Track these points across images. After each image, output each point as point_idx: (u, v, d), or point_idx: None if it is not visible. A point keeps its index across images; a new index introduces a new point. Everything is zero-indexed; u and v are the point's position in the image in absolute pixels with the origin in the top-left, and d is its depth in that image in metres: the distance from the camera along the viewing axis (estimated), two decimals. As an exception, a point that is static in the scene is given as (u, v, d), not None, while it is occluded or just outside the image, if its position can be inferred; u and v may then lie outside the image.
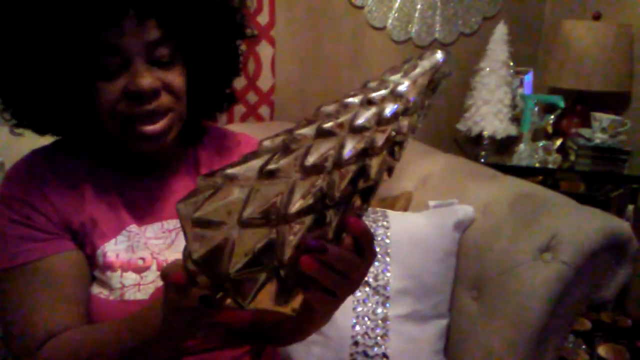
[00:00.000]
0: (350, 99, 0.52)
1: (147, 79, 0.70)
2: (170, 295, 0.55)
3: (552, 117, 2.16)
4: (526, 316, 1.11)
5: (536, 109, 2.10)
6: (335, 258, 0.48)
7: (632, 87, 2.12)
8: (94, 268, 0.78)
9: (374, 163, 0.50)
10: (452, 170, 1.50)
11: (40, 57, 0.69)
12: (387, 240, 1.26)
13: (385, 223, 1.28)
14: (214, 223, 0.48)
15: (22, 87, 0.73)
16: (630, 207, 2.09)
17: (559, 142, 2.12)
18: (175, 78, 0.74)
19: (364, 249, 0.50)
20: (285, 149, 0.50)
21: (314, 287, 0.49)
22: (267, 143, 0.52)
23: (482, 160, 2.07)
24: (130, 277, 0.77)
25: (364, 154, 0.49)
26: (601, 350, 1.85)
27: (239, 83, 1.77)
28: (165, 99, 0.73)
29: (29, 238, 0.74)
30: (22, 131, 0.80)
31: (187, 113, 0.79)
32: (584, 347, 1.91)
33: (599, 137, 2.05)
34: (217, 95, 0.87)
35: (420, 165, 1.57)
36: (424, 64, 0.54)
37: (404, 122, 0.52)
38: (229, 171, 0.49)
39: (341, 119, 0.50)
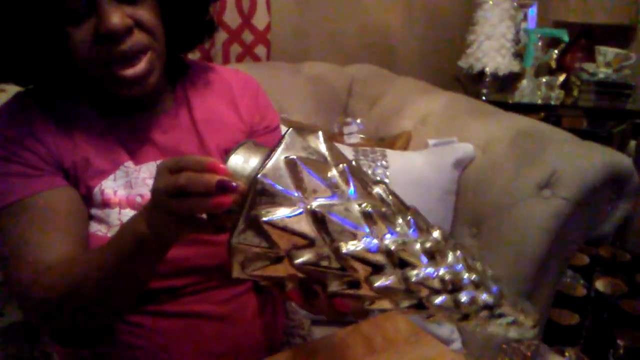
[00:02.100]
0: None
1: (116, 17, 0.66)
2: (182, 182, 0.52)
3: (556, 51, 2.11)
4: (524, 252, 1.12)
5: (540, 43, 2.05)
6: None
7: (637, 20, 2.06)
8: (91, 206, 0.77)
9: None
10: (452, 108, 1.48)
11: (7, 6, 0.67)
12: (387, 180, 1.25)
13: (384, 162, 1.28)
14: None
15: None
16: (633, 143, 2.07)
17: (562, 77, 2.08)
18: (147, 13, 0.71)
19: None
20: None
21: None
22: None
23: (484, 97, 2.04)
24: (129, 214, 0.76)
25: None
26: (599, 284, 1.88)
27: (233, 21, 1.72)
28: (139, 37, 0.70)
29: (20, 175, 0.73)
30: (4, 87, 0.78)
31: (168, 47, 0.77)
32: (582, 281, 1.94)
33: (603, 72, 2.01)
34: (195, 25, 0.84)
35: (420, 103, 1.55)
36: None
37: None
38: None
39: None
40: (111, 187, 0.77)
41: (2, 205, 0.73)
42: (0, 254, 0.74)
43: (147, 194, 0.78)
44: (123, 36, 0.68)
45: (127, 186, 0.77)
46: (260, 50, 1.80)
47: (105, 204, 0.76)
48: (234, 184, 0.49)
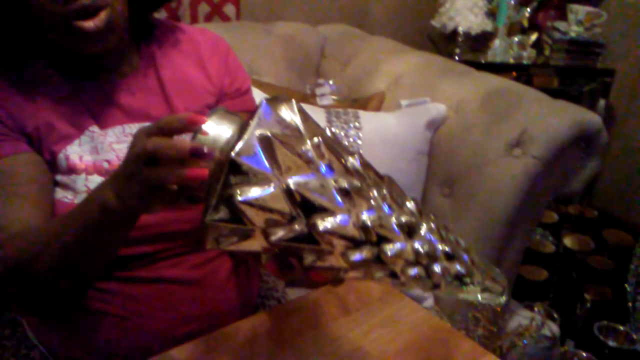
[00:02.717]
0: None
1: None
2: (154, 148, 0.50)
3: (528, 10, 2.10)
4: (495, 210, 1.13)
5: (512, 2, 2.04)
6: None
7: (610, -24, 2.06)
8: (56, 172, 0.75)
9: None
10: (425, 68, 1.47)
11: None
12: (359, 141, 1.25)
13: (357, 124, 1.27)
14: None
15: None
16: (602, 102, 2.10)
17: (534, 36, 2.08)
18: None
19: None
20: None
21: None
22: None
23: (457, 57, 2.03)
24: (96, 180, 0.74)
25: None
26: (567, 241, 1.93)
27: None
28: None
29: None
30: None
31: (130, 6, 0.74)
32: (550, 238, 1.98)
33: (574, 30, 2.02)
34: None
35: (393, 64, 1.53)
36: None
37: None
38: None
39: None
40: (76, 152, 0.75)
41: None
42: None
43: (114, 160, 0.76)
44: None
45: (93, 151, 0.75)
46: (230, 9, 1.76)
47: (71, 170, 0.74)
48: (207, 150, 0.48)
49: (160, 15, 1.59)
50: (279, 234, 0.48)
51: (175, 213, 0.76)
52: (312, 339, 0.74)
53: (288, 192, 0.47)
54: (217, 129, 0.49)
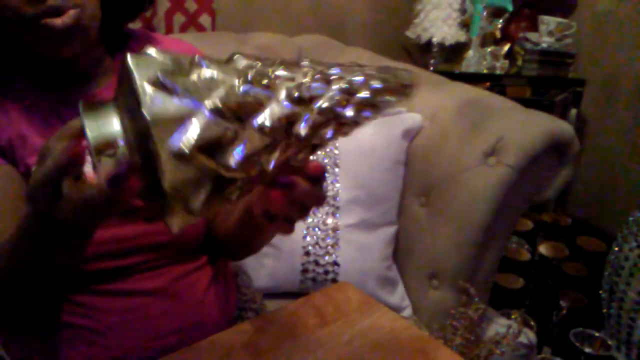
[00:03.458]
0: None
1: None
2: (52, 170, 0.47)
3: (501, 21, 2.14)
4: (471, 218, 1.14)
5: (485, 13, 2.07)
6: (302, 193, 0.50)
7: (579, -11, 2.10)
8: None
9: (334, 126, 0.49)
10: (400, 78, 1.48)
11: None
12: (336, 152, 1.25)
13: (333, 134, 1.27)
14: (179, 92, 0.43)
15: None
16: (574, 111, 2.14)
17: (506, 47, 2.12)
18: None
19: (321, 183, 0.53)
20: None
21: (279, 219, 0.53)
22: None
23: (432, 68, 2.05)
24: None
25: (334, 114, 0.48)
26: (542, 249, 1.95)
27: (177, -9, 1.67)
28: None
29: None
30: None
31: (105, 16, 0.74)
32: (526, 246, 2.01)
33: (545, 41, 2.06)
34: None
35: (369, 74, 1.54)
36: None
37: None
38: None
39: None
40: None
41: None
42: None
43: (90, 172, 0.75)
44: None
45: None
46: (205, 19, 1.75)
47: None
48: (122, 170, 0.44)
49: (135, 25, 1.58)
50: (236, 154, 0.44)
51: (151, 226, 0.75)
52: (290, 350, 0.73)
53: (218, 112, 0.44)
54: (101, 124, 0.45)
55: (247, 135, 0.45)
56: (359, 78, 0.50)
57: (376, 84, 0.50)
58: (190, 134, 0.42)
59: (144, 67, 0.43)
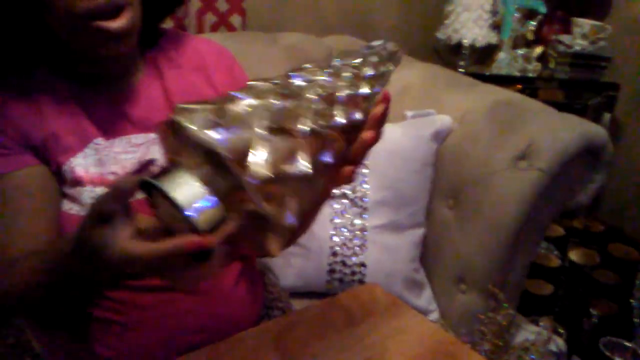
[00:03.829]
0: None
1: None
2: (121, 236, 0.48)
3: (533, 23, 2.10)
4: (501, 223, 1.12)
5: (517, 15, 2.04)
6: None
7: (614, -9, 2.06)
8: (63, 184, 0.75)
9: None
10: (430, 80, 1.47)
11: None
12: (364, 152, 1.24)
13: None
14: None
15: None
16: (607, 115, 2.09)
17: (539, 49, 2.08)
18: None
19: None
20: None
21: None
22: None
23: (461, 69, 2.03)
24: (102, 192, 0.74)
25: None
26: (573, 255, 1.91)
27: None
28: None
29: None
30: None
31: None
32: (556, 252, 1.97)
33: (579, 44, 2.02)
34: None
35: (398, 75, 1.51)
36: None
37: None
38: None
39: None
40: (82, 165, 0.74)
41: None
42: None
43: (119, 172, 0.76)
44: None
45: (98, 164, 0.75)
46: (235, 19, 1.76)
47: (77, 182, 0.74)
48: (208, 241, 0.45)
49: (167, 24, 1.59)
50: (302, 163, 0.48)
51: None
52: (317, 351, 0.73)
53: (271, 131, 0.47)
54: (186, 192, 0.45)
55: (301, 143, 0.48)
56: (358, 60, 0.58)
57: (373, 59, 0.59)
58: (263, 158, 0.45)
59: (194, 118, 0.45)
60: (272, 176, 0.44)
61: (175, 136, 0.46)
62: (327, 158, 0.51)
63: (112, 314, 0.75)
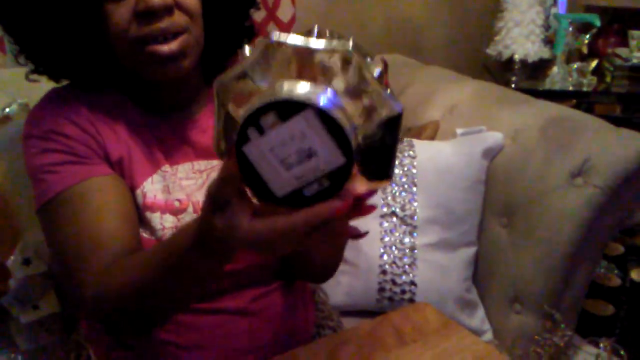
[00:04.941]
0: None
1: None
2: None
3: (587, 37, 2.06)
4: (557, 241, 1.09)
5: (570, 29, 2.00)
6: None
7: (673, 1, 1.99)
8: None
9: None
10: (480, 96, 1.46)
11: None
12: (414, 170, 1.24)
13: (411, 152, 1.26)
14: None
15: (31, 22, 0.71)
16: (669, 129, 2.01)
17: (594, 63, 2.03)
18: None
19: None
20: None
21: None
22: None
23: (513, 85, 2.00)
24: (169, 219, 0.75)
25: None
26: (634, 274, 1.84)
27: (258, 15, 1.72)
28: (178, 18, 0.69)
29: (68, 163, 0.72)
30: (38, 78, 0.79)
31: (207, 47, 0.76)
32: (616, 271, 1.89)
33: (636, 57, 1.96)
34: (234, 27, 0.84)
35: (448, 92, 1.52)
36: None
37: None
38: None
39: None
40: (151, 190, 0.76)
41: (56, 194, 0.71)
42: (59, 252, 0.72)
43: (184, 199, 0.77)
44: (162, 14, 0.68)
45: (165, 190, 0.77)
46: (285, 42, 1.80)
47: (147, 207, 0.75)
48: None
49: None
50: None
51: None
52: (368, 370, 0.73)
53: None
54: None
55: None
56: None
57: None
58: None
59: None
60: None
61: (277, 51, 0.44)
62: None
63: (167, 334, 0.77)
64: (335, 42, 0.45)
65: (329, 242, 0.68)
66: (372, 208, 0.49)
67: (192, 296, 0.66)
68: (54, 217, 0.72)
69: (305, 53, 0.45)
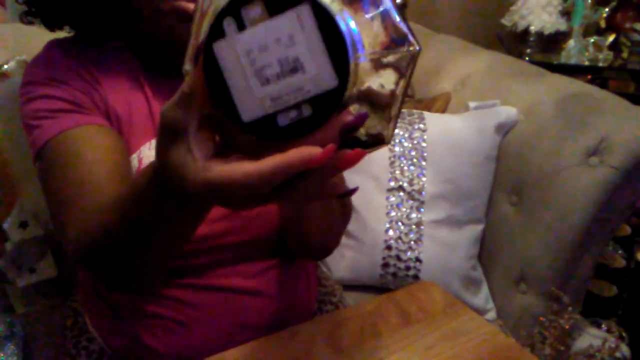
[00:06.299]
0: None
1: None
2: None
3: (606, 10, 1.99)
4: (568, 221, 1.07)
5: (589, 1, 1.93)
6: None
7: (698, -25, 1.92)
8: None
9: None
10: (494, 69, 1.41)
11: None
12: (424, 144, 1.21)
13: (421, 125, 1.23)
14: None
15: None
16: (684, 109, 1.97)
17: (611, 37, 1.97)
18: None
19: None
20: None
21: None
22: None
23: (528, 58, 1.95)
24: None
25: None
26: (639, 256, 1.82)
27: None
28: None
29: (69, 110, 0.69)
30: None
31: None
32: (620, 252, 1.87)
33: (656, 32, 1.90)
34: None
35: (460, 63, 1.48)
36: None
37: None
38: None
39: None
40: (148, 156, 0.73)
41: (44, 142, 0.68)
42: (54, 199, 0.68)
43: None
44: None
45: None
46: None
47: None
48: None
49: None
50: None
51: (233, 223, 0.74)
52: (371, 349, 0.71)
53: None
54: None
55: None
56: None
57: None
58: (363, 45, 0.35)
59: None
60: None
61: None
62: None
63: (167, 310, 0.75)
64: None
65: (307, 202, 0.62)
66: (361, 154, 0.37)
67: (173, 244, 0.57)
68: (47, 164, 0.69)
69: None
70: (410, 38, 0.38)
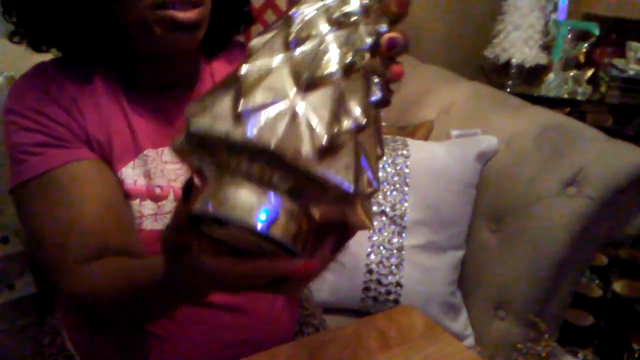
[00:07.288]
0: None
1: None
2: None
3: (586, 45, 2.05)
4: (545, 250, 1.09)
5: (569, 36, 1.99)
6: None
7: (673, 15, 2.00)
8: None
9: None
10: (476, 99, 1.44)
11: None
12: (407, 170, 1.23)
13: (404, 152, 1.25)
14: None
15: None
16: (659, 143, 2.02)
17: (590, 72, 2.03)
18: None
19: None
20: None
21: None
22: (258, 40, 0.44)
23: (509, 89, 1.99)
24: (149, 205, 0.74)
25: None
26: (617, 286, 1.84)
27: (256, 1, 1.69)
28: None
29: (49, 145, 0.69)
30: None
31: (207, 31, 0.74)
32: (597, 282, 1.90)
33: (633, 69, 1.96)
34: (235, 13, 0.82)
35: (443, 93, 1.51)
36: None
37: None
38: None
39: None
40: (130, 176, 0.74)
41: (32, 176, 0.68)
42: (36, 236, 0.69)
43: (166, 186, 0.75)
44: None
45: (146, 175, 0.74)
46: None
47: (126, 195, 0.73)
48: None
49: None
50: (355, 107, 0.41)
51: None
52: (350, 373, 0.72)
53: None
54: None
55: (345, 84, 0.41)
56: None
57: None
58: (315, 122, 0.38)
59: (213, 115, 0.40)
60: (329, 140, 0.37)
61: (196, 148, 0.40)
62: (377, 91, 0.44)
63: (151, 326, 0.75)
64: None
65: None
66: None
67: (167, 312, 0.67)
68: (32, 199, 0.69)
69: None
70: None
